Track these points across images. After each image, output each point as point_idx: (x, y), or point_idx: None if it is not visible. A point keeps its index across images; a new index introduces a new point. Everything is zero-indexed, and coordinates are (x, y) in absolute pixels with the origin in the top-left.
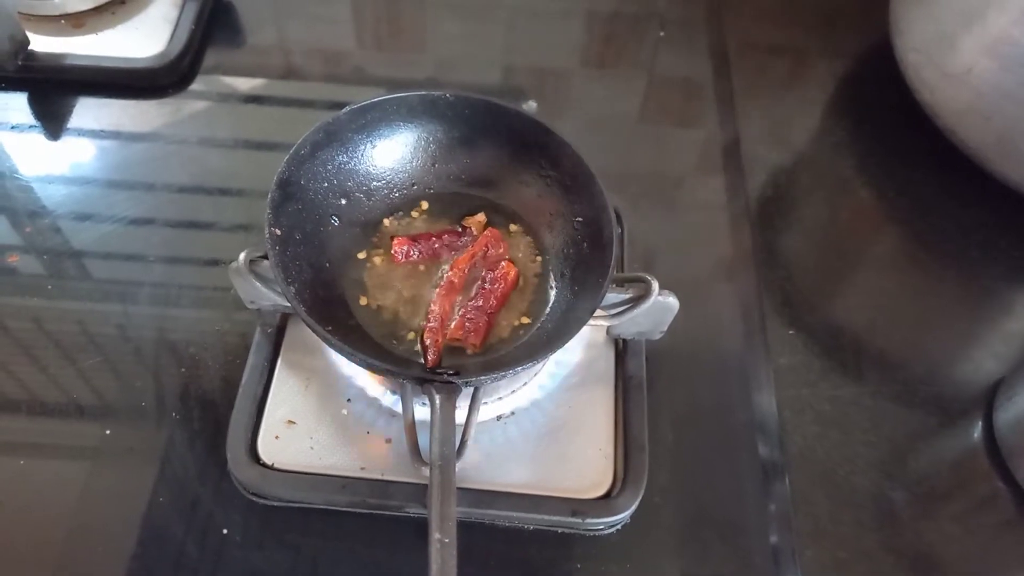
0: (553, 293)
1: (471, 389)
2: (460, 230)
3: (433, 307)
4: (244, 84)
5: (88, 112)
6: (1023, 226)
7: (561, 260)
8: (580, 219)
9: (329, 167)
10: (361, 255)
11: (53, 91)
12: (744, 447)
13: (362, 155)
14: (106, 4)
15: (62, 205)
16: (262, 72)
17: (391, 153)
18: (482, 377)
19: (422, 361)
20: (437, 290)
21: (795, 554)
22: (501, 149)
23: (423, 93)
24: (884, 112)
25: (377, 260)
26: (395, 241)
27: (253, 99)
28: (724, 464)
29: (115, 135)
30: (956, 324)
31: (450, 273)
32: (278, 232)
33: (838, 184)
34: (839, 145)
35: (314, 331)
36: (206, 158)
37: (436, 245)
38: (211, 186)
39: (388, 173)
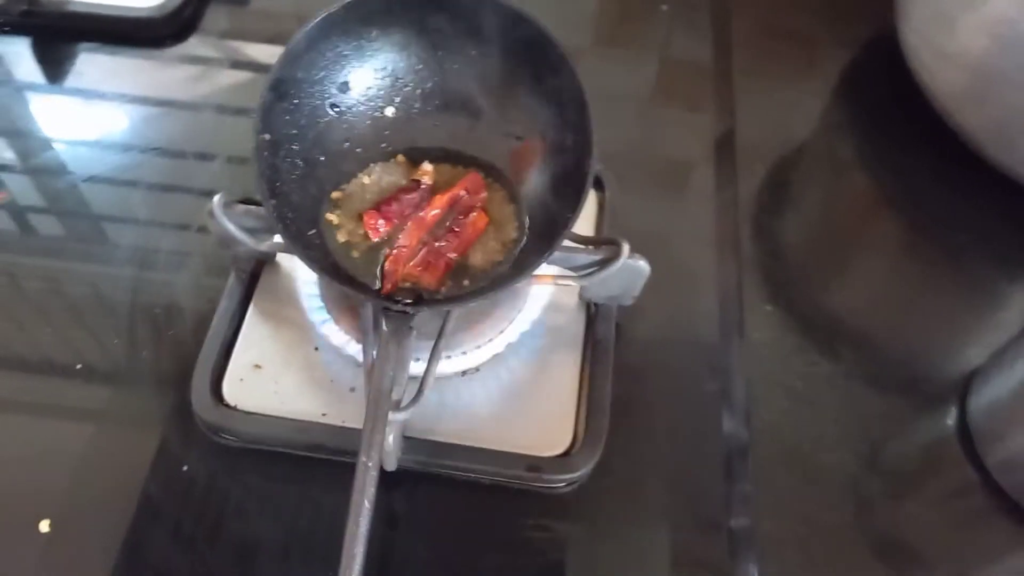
0: (523, 239)
1: (432, 340)
2: (417, 184)
3: (401, 239)
4: (242, 46)
5: (87, 61)
6: (1017, 217)
7: (535, 203)
8: (563, 148)
9: (328, 56)
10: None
11: (54, 37)
12: (709, 417)
13: (362, 46)
14: None
15: (48, 157)
16: (263, 36)
17: (392, 47)
18: (432, 307)
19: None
20: (410, 223)
21: (754, 526)
22: (501, 57)
23: None
24: (886, 99)
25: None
26: (365, 216)
27: (250, 63)
28: (687, 433)
29: (109, 88)
30: (940, 311)
31: (426, 208)
32: (267, 137)
33: (834, 168)
34: (838, 129)
35: (288, 246)
36: (193, 119)
37: (398, 206)
38: (195, 149)
39: (388, 67)
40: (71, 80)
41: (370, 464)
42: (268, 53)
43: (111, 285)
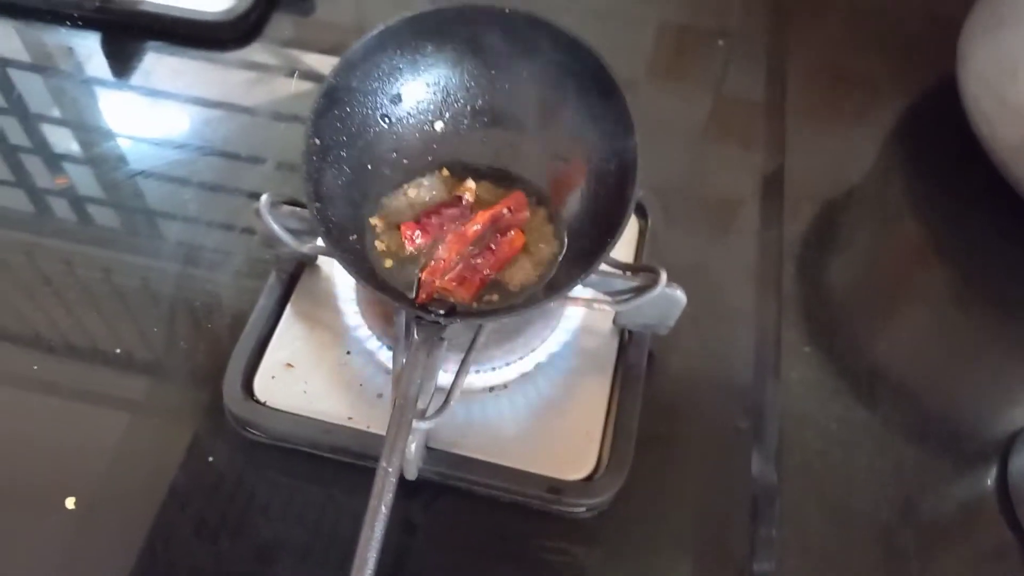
0: (560, 260)
1: (462, 353)
2: (459, 200)
3: (441, 251)
4: (303, 55)
5: (153, 59)
6: None
7: (574, 226)
8: (606, 173)
9: (383, 67)
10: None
11: (124, 34)
12: (738, 455)
13: (417, 60)
14: None
15: (106, 149)
16: (325, 46)
17: (446, 63)
18: (464, 319)
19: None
20: (450, 236)
21: (778, 570)
22: (551, 78)
23: (483, 5)
24: (942, 147)
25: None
26: (402, 227)
27: (309, 73)
28: (714, 468)
29: (171, 87)
30: (986, 367)
31: (468, 223)
32: (317, 142)
33: (884, 213)
34: (891, 175)
35: (328, 249)
36: (249, 122)
37: (437, 220)
38: (248, 152)
39: (441, 82)
40: (136, 76)
41: (390, 470)
42: (327, 63)
43: (156, 277)
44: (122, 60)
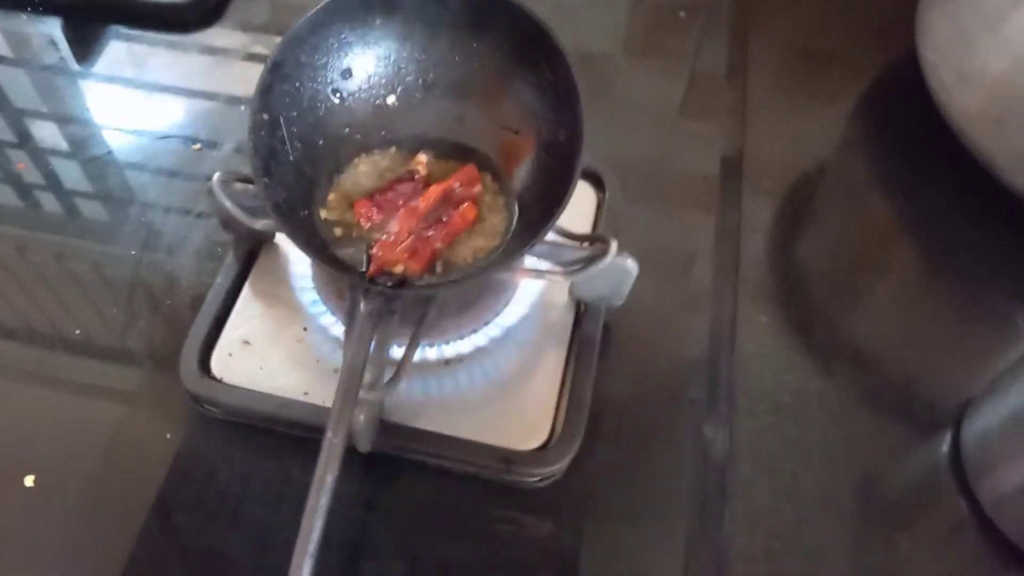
0: (512, 231)
1: (410, 326)
2: (411, 175)
3: (392, 225)
4: (263, 39)
5: (113, 43)
6: None
7: (524, 197)
8: (556, 143)
9: (332, 42)
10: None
11: (84, 18)
12: (690, 424)
13: (366, 33)
14: None
15: (65, 134)
16: (282, 27)
17: (396, 36)
18: (413, 290)
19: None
20: (402, 211)
21: (727, 540)
22: (501, 50)
23: None
24: (904, 121)
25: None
26: (356, 205)
27: (266, 55)
28: (667, 438)
29: (133, 72)
30: (946, 337)
31: (420, 198)
32: (265, 117)
33: (847, 188)
34: (855, 152)
35: (275, 223)
36: (209, 107)
37: (392, 196)
38: (206, 137)
39: (391, 56)
40: (95, 61)
41: (335, 440)
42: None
43: (114, 261)
44: (84, 45)
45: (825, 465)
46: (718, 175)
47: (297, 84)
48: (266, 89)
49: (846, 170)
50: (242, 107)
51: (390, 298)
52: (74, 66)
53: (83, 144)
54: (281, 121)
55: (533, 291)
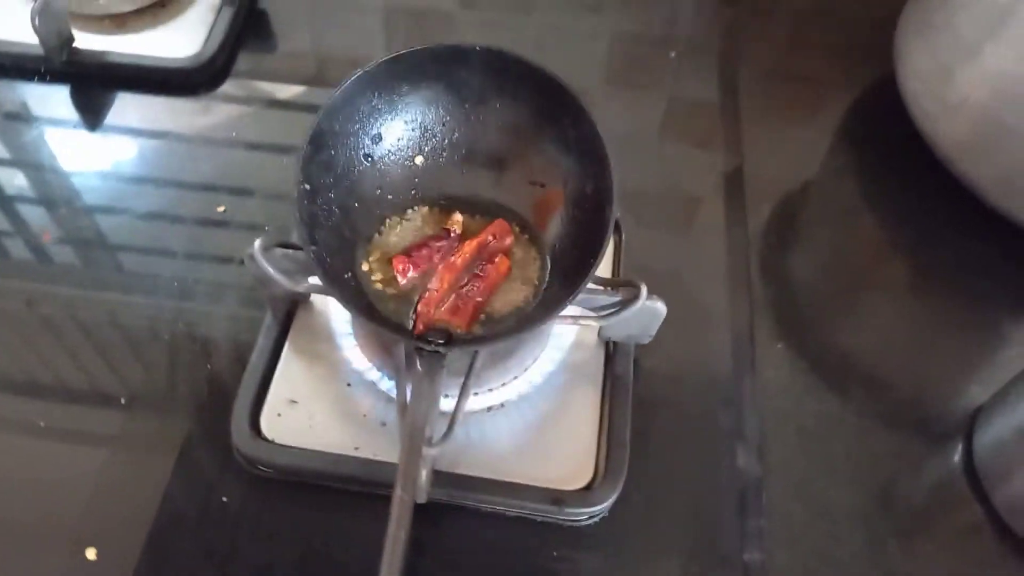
0: (545, 282)
1: (461, 378)
2: (447, 232)
3: (433, 283)
4: (273, 88)
5: (125, 107)
6: (1020, 259)
7: (556, 248)
8: (584, 195)
9: (363, 109)
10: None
11: (94, 86)
12: (723, 452)
13: (394, 100)
14: (148, 7)
15: (92, 196)
16: (292, 78)
17: (422, 101)
18: (463, 347)
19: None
20: (440, 267)
21: (766, 560)
22: (522, 109)
23: (455, 44)
24: (889, 142)
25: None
26: (394, 261)
27: (281, 103)
28: (703, 467)
29: (148, 131)
30: (947, 350)
31: (456, 255)
32: (307, 187)
33: (840, 210)
34: (844, 172)
35: (327, 289)
36: (231, 158)
37: (426, 251)
38: (232, 185)
39: (418, 119)
40: (110, 125)
41: (405, 497)
42: (297, 93)
43: (155, 318)
44: (92, 111)
45: (849, 480)
46: (722, 200)
47: (332, 152)
48: (306, 160)
49: (836, 191)
50: (263, 155)
51: (441, 355)
52: (89, 131)
53: (111, 204)
54: (320, 188)
55: (565, 335)
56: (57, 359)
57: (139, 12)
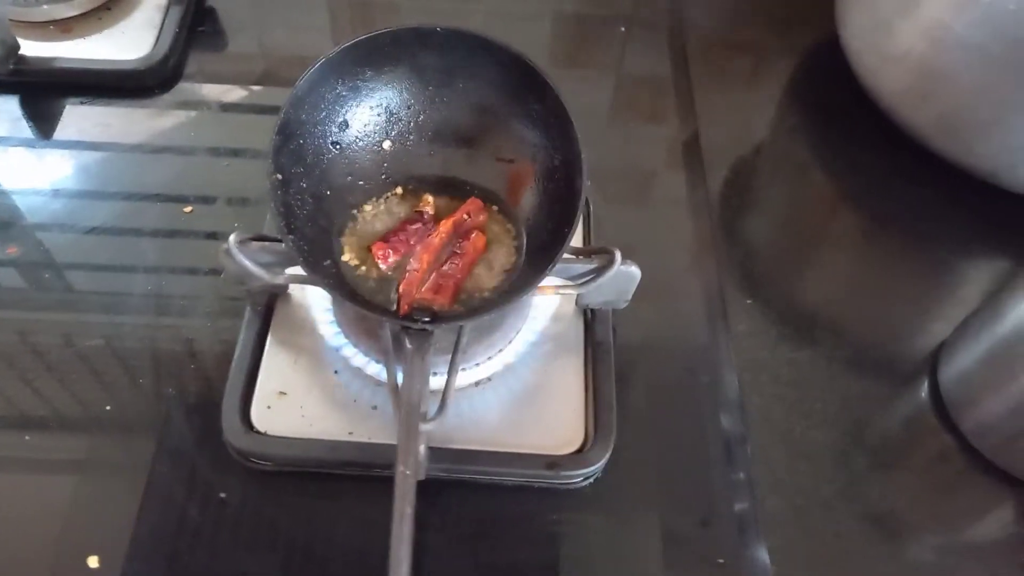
0: (522, 255)
1: (448, 355)
2: (420, 215)
3: (413, 263)
4: (225, 89)
5: (77, 115)
6: (966, 200)
7: (530, 221)
8: (553, 168)
9: (328, 97)
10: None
11: (43, 94)
12: (706, 405)
13: (358, 86)
14: (93, 10)
15: (50, 211)
16: (243, 77)
17: (386, 85)
18: (449, 322)
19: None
20: (418, 248)
21: (756, 502)
22: (486, 87)
23: (416, 26)
24: (835, 101)
25: (367, 209)
26: (373, 248)
27: (234, 105)
28: (688, 421)
29: (103, 139)
30: (905, 293)
31: (433, 234)
32: (279, 177)
33: (793, 169)
34: (794, 133)
35: (310, 277)
36: (190, 163)
37: (404, 236)
38: (194, 192)
39: (383, 104)
40: (63, 134)
41: (408, 472)
42: (250, 93)
43: (129, 333)
44: (44, 120)
45: (826, 422)
46: (682, 167)
47: (301, 141)
48: (276, 151)
49: (788, 150)
50: (223, 160)
51: (428, 333)
52: (41, 141)
53: (72, 218)
54: (292, 179)
55: (546, 306)
56: (36, 381)
57: (84, 16)
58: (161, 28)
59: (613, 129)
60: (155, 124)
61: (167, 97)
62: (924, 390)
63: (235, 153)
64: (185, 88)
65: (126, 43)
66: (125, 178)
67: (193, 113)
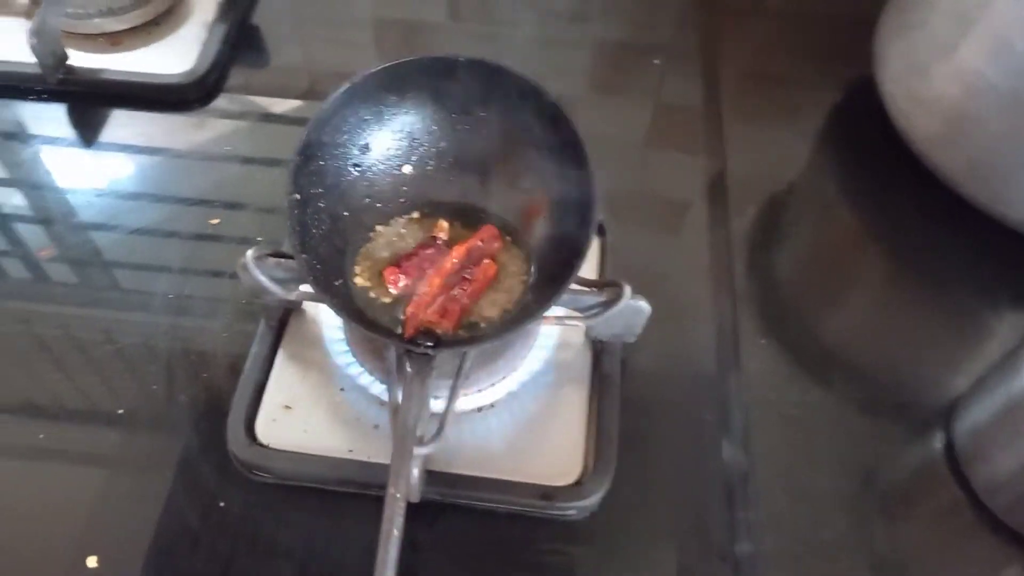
0: (531, 283)
1: (451, 379)
2: (434, 239)
3: (422, 287)
4: (265, 103)
5: (120, 124)
6: (995, 248)
7: (541, 251)
8: (566, 200)
9: (351, 120)
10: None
11: (89, 103)
12: (710, 444)
13: (381, 111)
14: (142, 25)
15: (89, 213)
16: (284, 91)
17: (408, 112)
18: (451, 348)
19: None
20: (430, 272)
21: (756, 549)
22: (506, 117)
23: (439, 56)
24: (867, 141)
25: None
26: (385, 272)
27: (273, 117)
28: (691, 461)
29: (143, 147)
30: (926, 340)
31: (446, 258)
32: (297, 197)
33: (821, 206)
34: (823, 171)
35: (319, 296)
36: (224, 172)
37: (416, 260)
38: (226, 199)
39: (405, 129)
40: (106, 142)
41: (398, 496)
42: (289, 107)
43: (150, 333)
44: (88, 128)
45: (833, 467)
46: (705, 201)
47: (321, 163)
48: (296, 171)
49: (817, 189)
50: (256, 169)
51: (430, 357)
52: (86, 148)
53: (108, 220)
54: (310, 199)
55: (553, 336)
56: (55, 377)
57: (133, 30)
58: (205, 44)
59: (641, 158)
60: (193, 135)
61: (207, 110)
62: (939, 442)
63: (270, 163)
64: (225, 101)
65: (171, 57)
66: (159, 185)
67: (231, 125)
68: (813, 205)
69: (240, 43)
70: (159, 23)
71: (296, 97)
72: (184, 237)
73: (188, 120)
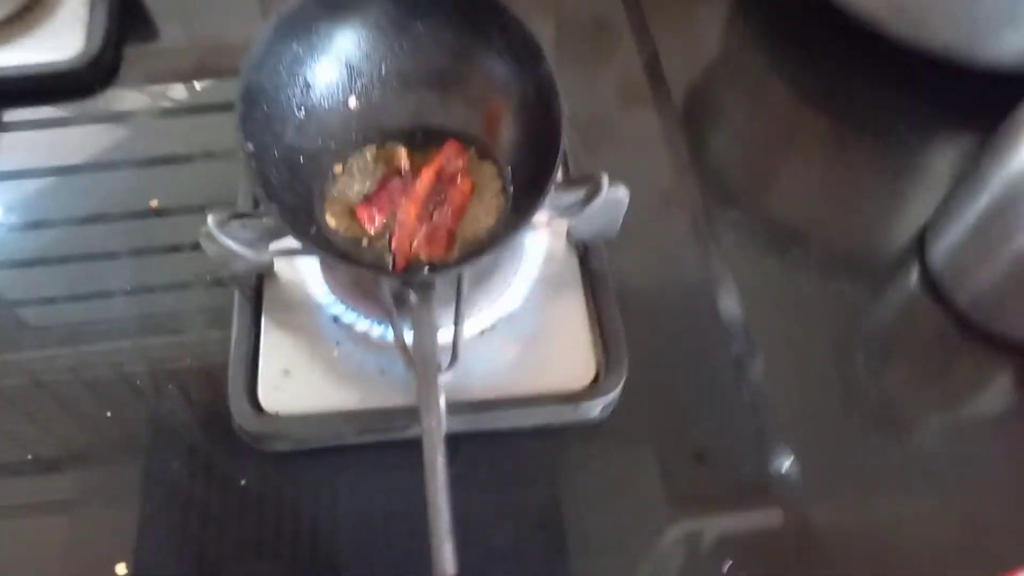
0: (511, 190)
1: (451, 306)
2: (396, 170)
3: (400, 217)
4: (167, 88)
5: (18, 120)
6: (927, 86)
7: (514, 157)
8: (527, 98)
9: (285, 58)
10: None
11: None
12: (707, 316)
13: (313, 42)
14: (16, 14)
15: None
16: (182, 67)
17: (342, 38)
18: (448, 270)
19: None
20: (403, 202)
21: (773, 415)
22: (445, 25)
23: None
24: (786, 6)
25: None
26: (357, 212)
27: (178, 100)
28: (694, 335)
29: (46, 145)
30: (882, 184)
31: (416, 186)
32: (251, 147)
33: (754, 81)
34: (750, 46)
35: (301, 244)
36: (142, 176)
37: (385, 195)
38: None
39: (341, 59)
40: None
41: (433, 424)
42: (193, 84)
43: (121, 357)
44: None
45: (823, 317)
46: (647, 89)
47: (265, 108)
48: (242, 119)
49: (746, 61)
50: (165, 167)
51: (430, 284)
52: None
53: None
54: (264, 147)
55: (538, 248)
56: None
57: (8, 21)
58: (89, 23)
59: (570, 75)
60: (98, 131)
61: (107, 95)
62: (915, 273)
63: (186, 160)
64: (124, 89)
65: (55, 42)
66: (84, 173)
67: (134, 107)
68: (746, 82)
69: (126, 18)
70: (32, 9)
71: (196, 71)
72: (127, 219)
73: (88, 112)
